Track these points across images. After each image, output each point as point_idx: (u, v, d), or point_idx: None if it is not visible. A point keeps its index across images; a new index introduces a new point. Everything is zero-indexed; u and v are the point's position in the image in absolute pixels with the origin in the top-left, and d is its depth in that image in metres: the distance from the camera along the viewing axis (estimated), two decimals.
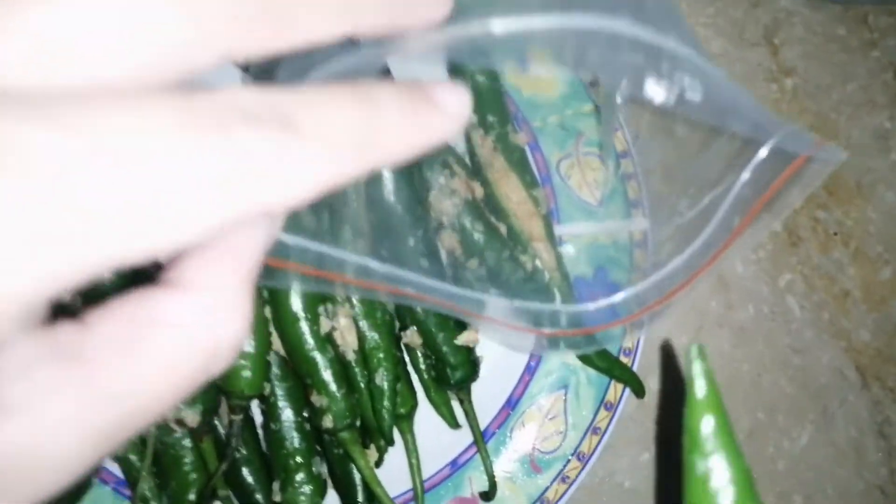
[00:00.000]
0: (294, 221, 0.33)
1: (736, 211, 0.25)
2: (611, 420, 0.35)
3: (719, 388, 0.19)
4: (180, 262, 0.13)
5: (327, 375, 0.31)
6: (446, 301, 0.29)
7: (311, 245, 0.27)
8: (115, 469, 0.34)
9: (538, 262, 0.33)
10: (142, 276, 0.13)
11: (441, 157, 0.34)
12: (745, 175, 0.23)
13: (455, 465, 0.35)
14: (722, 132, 0.25)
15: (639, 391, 0.35)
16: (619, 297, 0.30)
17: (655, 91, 0.18)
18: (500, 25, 0.13)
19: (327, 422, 0.31)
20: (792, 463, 0.38)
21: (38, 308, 0.11)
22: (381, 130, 0.13)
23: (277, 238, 0.25)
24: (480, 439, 0.34)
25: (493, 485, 0.33)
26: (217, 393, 0.31)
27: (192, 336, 0.13)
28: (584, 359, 0.35)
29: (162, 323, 0.13)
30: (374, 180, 0.33)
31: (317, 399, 0.31)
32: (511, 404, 0.35)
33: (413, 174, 0.33)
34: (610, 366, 0.34)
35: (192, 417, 0.31)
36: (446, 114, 0.14)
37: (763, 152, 0.22)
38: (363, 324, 0.32)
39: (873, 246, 0.41)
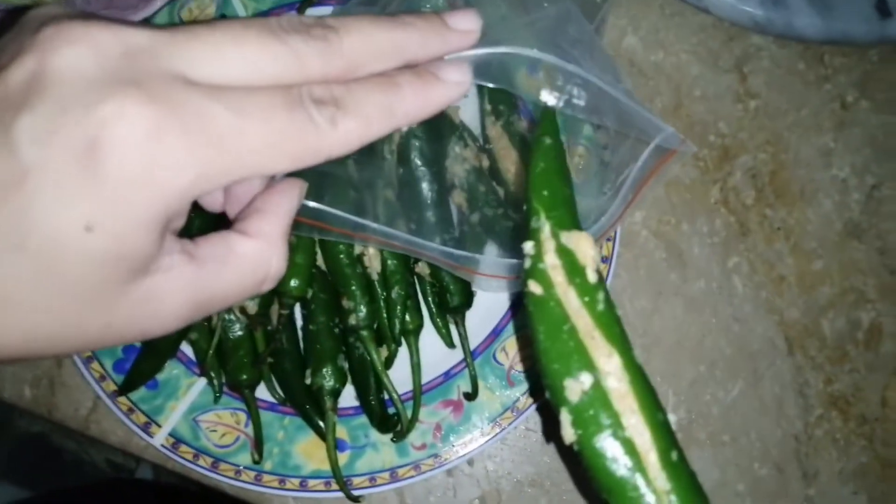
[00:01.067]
0: (339, 179, 0.43)
1: (631, 189, 0.35)
2: None
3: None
4: (248, 218, 0.21)
5: (355, 286, 0.41)
6: (443, 258, 0.38)
7: (334, 210, 0.36)
8: (188, 351, 0.43)
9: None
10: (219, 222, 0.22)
11: (458, 132, 0.43)
12: (639, 163, 0.33)
13: (447, 376, 0.44)
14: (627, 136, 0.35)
15: None
16: None
17: (548, 97, 0.27)
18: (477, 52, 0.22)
19: (353, 320, 0.40)
20: (724, 410, 0.46)
21: (189, 202, 0.18)
22: (399, 102, 0.20)
23: (305, 203, 0.34)
24: (469, 355, 0.43)
25: (475, 387, 0.42)
26: (272, 293, 0.41)
27: (253, 264, 0.21)
28: None
29: (239, 254, 0.21)
30: (406, 147, 0.43)
31: (346, 303, 0.40)
32: (496, 332, 0.44)
33: (436, 144, 0.43)
34: None
35: (252, 307, 0.40)
36: (449, 84, 0.21)
37: (650, 148, 0.32)
38: (386, 252, 0.41)
39: (809, 242, 0.49)
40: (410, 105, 0.20)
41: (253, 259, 0.21)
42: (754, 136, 0.50)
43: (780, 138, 0.50)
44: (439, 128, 0.43)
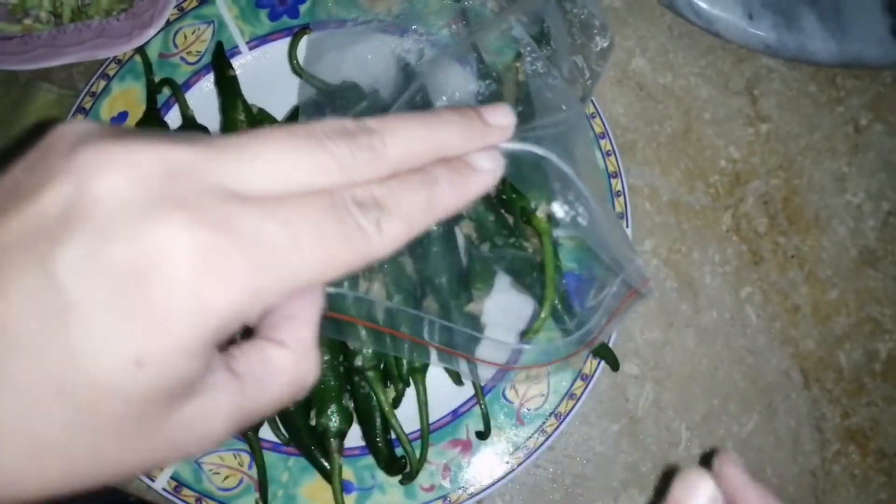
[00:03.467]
0: None
1: (606, 314, 0.37)
2: (585, 389, 0.42)
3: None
4: (277, 326, 0.20)
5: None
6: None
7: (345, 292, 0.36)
8: None
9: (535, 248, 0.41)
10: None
11: None
12: (612, 290, 0.34)
13: (455, 414, 0.43)
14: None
15: (614, 365, 0.42)
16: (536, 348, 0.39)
17: (558, 209, 0.27)
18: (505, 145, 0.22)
19: (359, 361, 0.39)
20: (738, 444, 0.45)
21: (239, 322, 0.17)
22: (439, 198, 0.20)
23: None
24: (481, 393, 0.42)
25: (487, 426, 0.41)
26: None
27: (291, 376, 0.20)
28: (570, 335, 0.42)
29: (278, 368, 0.20)
30: None
31: (352, 343, 0.39)
32: (505, 370, 0.43)
33: None
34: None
35: None
36: (483, 173, 0.21)
37: (617, 282, 0.33)
38: (392, 288, 0.40)
39: (824, 270, 0.48)
40: (449, 198, 0.20)
41: (291, 371, 0.20)
42: (766, 161, 0.49)
43: (793, 163, 0.49)
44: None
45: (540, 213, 0.39)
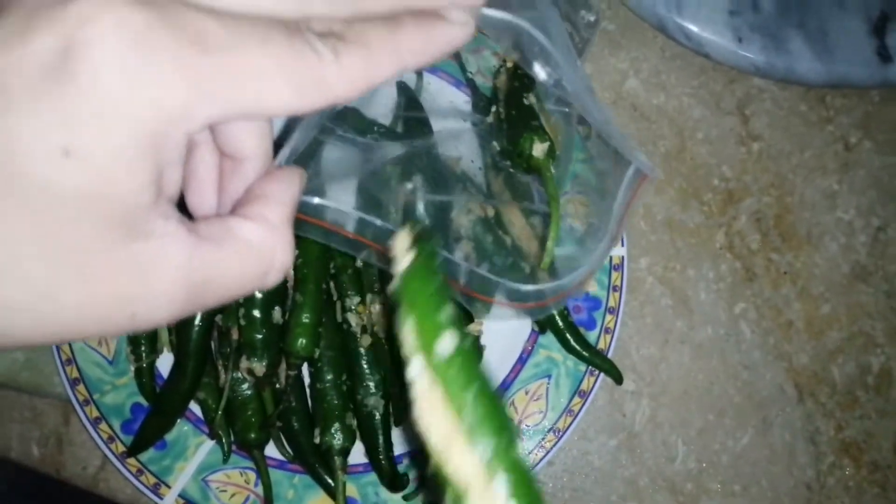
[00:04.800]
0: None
1: (617, 220, 0.36)
2: (583, 405, 0.43)
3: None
4: (250, 203, 0.19)
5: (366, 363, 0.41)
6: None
7: (339, 206, 0.35)
8: (196, 410, 0.43)
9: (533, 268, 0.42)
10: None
11: (462, 183, 0.44)
12: (623, 185, 0.35)
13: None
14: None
15: (617, 378, 0.43)
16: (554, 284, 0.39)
17: (540, 72, 0.27)
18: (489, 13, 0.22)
19: (361, 394, 0.40)
20: (734, 458, 0.46)
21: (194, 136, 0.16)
22: (403, 40, 0.18)
23: (308, 200, 0.34)
24: None
25: None
26: (279, 353, 0.41)
27: (256, 250, 0.18)
28: (573, 351, 0.43)
29: (240, 237, 0.18)
30: (410, 202, 0.43)
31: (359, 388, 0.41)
32: (505, 386, 0.44)
33: (441, 197, 0.43)
34: (596, 358, 0.43)
35: (260, 368, 0.40)
36: (453, 25, 0.19)
37: (629, 172, 0.35)
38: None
39: (816, 286, 0.49)
40: (414, 42, 0.18)
41: (256, 244, 0.18)
42: (758, 179, 0.50)
43: (785, 181, 0.50)
44: (444, 179, 0.44)
45: (536, 153, 0.40)
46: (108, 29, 0.14)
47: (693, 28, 0.48)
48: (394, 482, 0.41)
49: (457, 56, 0.47)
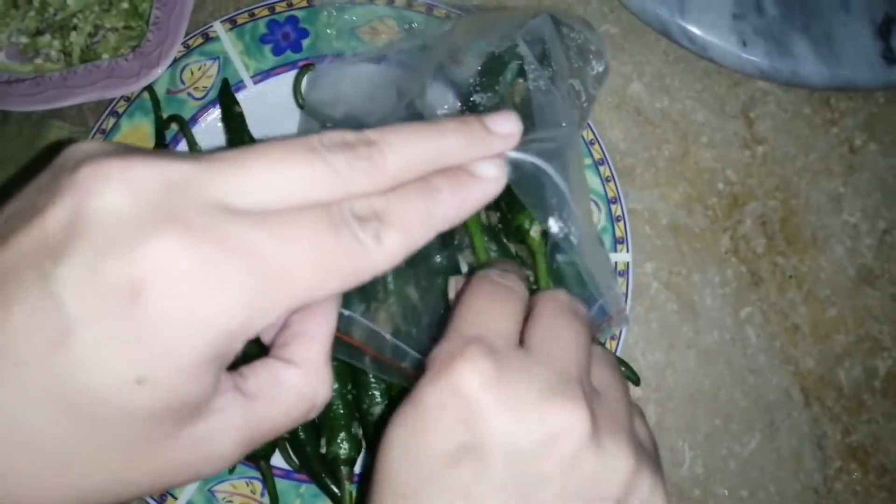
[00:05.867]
0: None
1: None
2: None
3: None
4: (289, 344, 0.20)
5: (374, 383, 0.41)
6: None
7: (363, 320, 0.37)
8: None
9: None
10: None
11: None
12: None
13: None
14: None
15: (636, 381, 0.43)
16: None
17: (553, 225, 0.27)
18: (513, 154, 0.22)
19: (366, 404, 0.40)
20: (741, 464, 0.46)
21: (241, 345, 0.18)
22: (439, 207, 0.19)
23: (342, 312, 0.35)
24: None
25: None
26: None
27: (301, 395, 0.20)
28: None
29: (287, 387, 0.20)
30: None
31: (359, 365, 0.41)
32: None
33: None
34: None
35: None
36: (485, 182, 0.20)
37: (595, 307, 0.36)
38: (398, 320, 0.41)
39: (822, 289, 0.49)
40: (450, 208, 0.19)
41: (301, 390, 0.20)
42: (763, 183, 0.50)
43: (790, 184, 0.50)
44: None
45: (533, 234, 0.40)
46: (171, 272, 0.16)
47: (697, 32, 0.48)
48: None
49: None
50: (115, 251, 0.16)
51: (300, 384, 0.20)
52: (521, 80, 0.43)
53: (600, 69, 0.46)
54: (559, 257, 0.42)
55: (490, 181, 0.20)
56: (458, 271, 0.43)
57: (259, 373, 0.20)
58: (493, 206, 0.44)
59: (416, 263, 0.41)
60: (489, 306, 0.22)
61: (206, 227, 0.16)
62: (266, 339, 0.22)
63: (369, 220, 0.18)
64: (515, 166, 0.22)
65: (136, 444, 0.17)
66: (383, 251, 0.18)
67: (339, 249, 0.17)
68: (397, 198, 0.19)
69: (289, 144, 0.18)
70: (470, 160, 0.20)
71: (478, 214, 0.41)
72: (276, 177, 0.17)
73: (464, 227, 0.43)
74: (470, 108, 0.42)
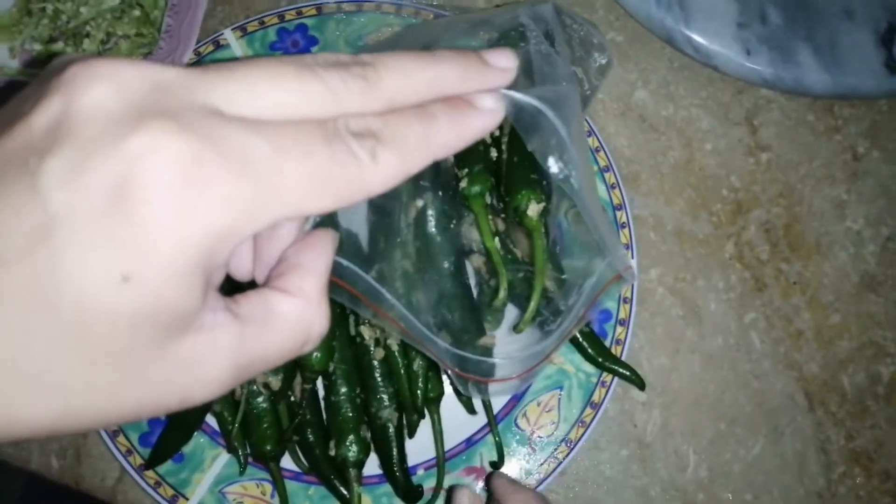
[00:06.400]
0: (357, 247, 0.43)
1: (585, 303, 0.37)
2: (594, 416, 0.44)
3: None
4: (285, 275, 0.20)
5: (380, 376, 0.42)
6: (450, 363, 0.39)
7: (357, 270, 0.37)
8: (213, 422, 0.44)
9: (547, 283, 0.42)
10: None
11: None
12: (592, 280, 0.35)
13: (469, 443, 0.44)
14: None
15: (641, 385, 0.43)
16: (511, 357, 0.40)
17: (553, 165, 0.27)
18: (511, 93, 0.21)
19: (374, 407, 0.41)
20: (745, 467, 0.47)
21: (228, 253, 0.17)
22: (437, 133, 0.19)
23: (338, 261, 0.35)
24: (493, 422, 0.43)
25: (501, 455, 0.42)
26: (294, 367, 0.42)
27: (296, 325, 0.19)
28: (593, 360, 0.43)
29: (281, 315, 0.19)
30: (421, 216, 0.43)
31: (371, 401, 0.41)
32: (517, 398, 0.45)
33: (451, 211, 0.43)
34: (617, 366, 0.43)
35: (276, 382, 0.41)
36: (483, 112, 0.20)
37: (602, 266, 0.36)
38: (405, 322, 0.42)
39: (826, 295, 0.49)
40: (447, 134, 0.19)
41: (295, 319, 0.19)
42: (767, 190, 0.51)
43: (793, 191, 0.51)
44: (454, 192, 0.44)
45: (531, 213, 0.40)
46: (159, 166, 0.15)
47: (701, 40, 0.48)
48: (408, 493, 0.42)
49: None
50: (102, 145, 0.15)
51: (295, 313, 0.19)
52: (522, 45, 0.42)
53: (603, 62, 0.46)
54: (565, 205, 0.41)
55: (488, 112, 0.20)
56: (463, 272, 0.43)
57: (252, 299, 0.19)
58: (496, 189, 0.44)
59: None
60: None
61: (195, 124, 0.16)
62: (260, 277, 0.21)
63: (365, 136, 0.17)
64: (516, 107, 0.21)
65: (123, 352, 0.16)
66: (378, 169, 0.18)
67: (333, 162, 0.17)
68: (395, 119, 0.18)
69: (282, 60, 0.17)
70: (467, 91, 0.20)
71: (486, 211, 0.41)
72: (270, 88, 0.17)
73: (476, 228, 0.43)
74: None
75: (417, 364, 0.41)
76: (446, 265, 0.42)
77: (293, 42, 0.50)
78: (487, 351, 0.41)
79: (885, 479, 0.46)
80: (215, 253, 0.16)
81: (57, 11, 0.49)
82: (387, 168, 0.18)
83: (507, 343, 0.44)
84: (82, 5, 0.48)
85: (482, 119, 0.20)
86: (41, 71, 0.18)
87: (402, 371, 0.42)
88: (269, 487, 0.43)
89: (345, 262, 0.36)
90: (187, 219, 0.15)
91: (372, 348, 0.43)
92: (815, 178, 0.51)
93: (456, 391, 0.44)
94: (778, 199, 0.51)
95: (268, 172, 0.16)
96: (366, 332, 0.43)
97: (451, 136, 0.19)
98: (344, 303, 0.38)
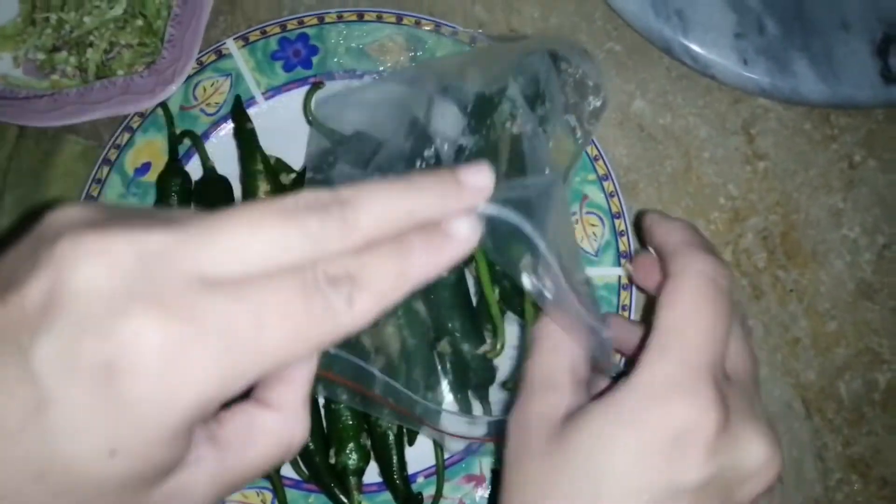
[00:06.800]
0: None
1: None
2: None
3: None
4: (269, 386, 0.21)
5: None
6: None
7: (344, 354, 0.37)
8: None
9: None
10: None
11: None
12: None
13: (468, 451, 0.45)
14: None
15: None
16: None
17: (526, 281, 0.27)
18: (486, 209, 0.22)
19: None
20: None
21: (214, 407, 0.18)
22: (412, 268, 0.19)
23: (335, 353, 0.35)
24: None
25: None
26: None
27: (278, 438, 0.21)
28: None
29: (264, 430, 0.21)
30: None
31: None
32: None
33: None
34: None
35: None
36: (458, 241, 0.20)
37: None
38: (405, 332, 0.42)
39: (822, 303, 0.49)
40: (423, 267, 0.20)
41: (277, 434, 0.21)
42: (764, 198, 0.51)
43: (790, 199, 0.51)
44: None
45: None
46: (146, 352, 0.16)
47: (699, 50, 0.49)
48: (408, 501, 0.42)
49: None
50: (92, 329, 0.16)
51: (277, 428, 0.21)
52: (509, 124, 0.43)
53: (597, 104, 0.47)
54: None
55: (462, 241, 0.21)
56: (463, 282, 0.44)
57: (235, 418, 0.21)
58: None
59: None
60: None
61: (181, 305, 0.17)
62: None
63: (342, 282, 0.18)
64: (490, 221, 0.22)
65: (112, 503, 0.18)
66: (353, 314, 0.18)
67: (311, 316, 0.18)
68: (370, 257, 0.19)
69: (263, 208, 0.18)
70: (444, 214, 0.21)
71: (486, 258, 0.41)
72: (251, 242, 0.18)
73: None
74: (457, 151, 0.43)
75: (417, 373, 0.42)
76: (446, 273, 0.42)
77: (294, 52, 0.50)
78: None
79: (882, 485, 0.47)
80: (200, 416, 0.18)
81: (60, 21, 0.50)
82: (362, 311, 0.19)
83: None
84: (86, 15, 0.49)
85: (459, 248, 0.20)
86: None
87: (402, 380, 0.42)
88: (269, 496, 0.44)
89: (331, 350, 0.36)
90: (172, 395, 0.17)
91: (372, 356, 0.43)
92: (812, 186, 0.51)
93: (456, 399, 0.44)
94: (775, 208, 0.51)
95: (250, 341, 0.17)
96: (366, 339, 0.43)
97: (428, 267, 0.20)
98: (331, 398, 0.39)
